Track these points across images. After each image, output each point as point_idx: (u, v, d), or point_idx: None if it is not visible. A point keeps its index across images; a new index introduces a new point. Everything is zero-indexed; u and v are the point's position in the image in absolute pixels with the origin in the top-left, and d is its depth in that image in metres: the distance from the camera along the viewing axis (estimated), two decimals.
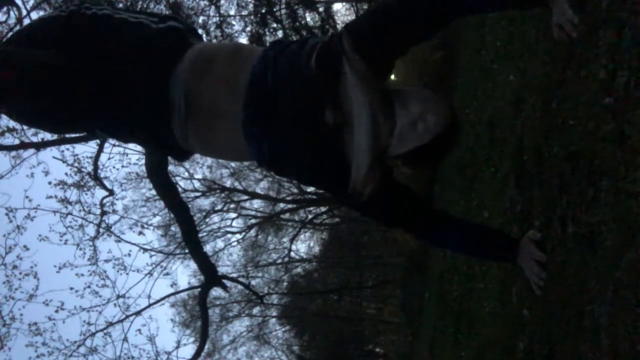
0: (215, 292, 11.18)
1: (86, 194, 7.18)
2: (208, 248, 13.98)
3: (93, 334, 6.45)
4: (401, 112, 1.35)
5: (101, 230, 7.07)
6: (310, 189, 16.17)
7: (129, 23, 1.50)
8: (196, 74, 1.43)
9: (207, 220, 14.98)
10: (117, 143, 6.65)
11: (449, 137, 1.37)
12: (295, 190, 16.22)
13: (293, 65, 1.38)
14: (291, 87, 1.37)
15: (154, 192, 7.12)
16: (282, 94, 1.38)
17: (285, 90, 1.38)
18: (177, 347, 7.11)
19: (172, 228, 11.59)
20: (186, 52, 1.46)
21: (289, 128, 1.39)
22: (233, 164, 14.88)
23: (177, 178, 13.25)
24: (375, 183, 1.41)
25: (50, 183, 6.94)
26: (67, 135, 5.85)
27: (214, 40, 9.44)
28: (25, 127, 5.43)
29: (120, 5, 6.93)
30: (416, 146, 1.35)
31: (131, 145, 7.28)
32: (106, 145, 6.56)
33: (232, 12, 10.53)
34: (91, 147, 6.90)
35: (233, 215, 16.33)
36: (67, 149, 6.77)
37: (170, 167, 7.66)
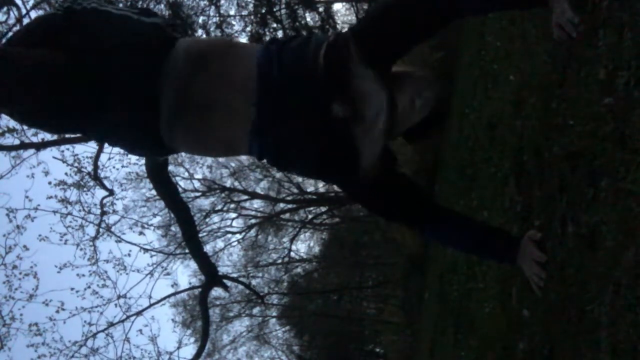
0: (216, 292, 11.19)
1: (86, 194, 7.20)
2: (208, 248, 13.98)
3: (94, 335, 6.45)
4: (399, 95, 1.42)
5: (101, 230, 7.09)
6: (310, 189, 16.19)
7: (113, 16, 1.49)
8: (189, 69, 1.42)
9: (207, 220, 14.98)
10: None
11: (443, 110, 1.52)
12: (295, 190, 16.23)
13: (299, 60, 1.39)
14: (299, 82, 1.39)
15: (154, 192, 7.13)
16: (290, 89, 1.39)
17: (292, 85, 1.39)
18: (179, 347, 7.14)
19: (172, 228, 11.60)
20: (173, 48, 1.46)
21: (297, 122, 1.40)
22: (233, 164, 14.91)
23: (177, 178, 13.26)
24: (380, 173, 1.45)
25: (50, 183, 6.96)
26: (67, 135, 5.85)
27: None
28: (25, 127, 5.43)
29: (120, 5, 6.92)
30: (417, 120, 1.46)
31: None
32: (106, 145, 6.56)
33: (232, 12, 10.54)
34: (91, 147, 6.90)
35: (233, 215, 16.34)
36: (67, 149, 6.79)
37: (170, 167, 7.66)
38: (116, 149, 7.08)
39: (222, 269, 13.97)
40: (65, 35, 1.48)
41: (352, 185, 1.51)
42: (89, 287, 6.77)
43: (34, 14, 6.19)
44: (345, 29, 1.48)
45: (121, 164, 9.67)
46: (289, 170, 1.62)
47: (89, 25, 1.48)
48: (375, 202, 1.56)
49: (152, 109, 1.44)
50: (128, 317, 6.68)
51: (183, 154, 1.67)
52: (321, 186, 16.16)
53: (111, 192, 7.31)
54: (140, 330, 6.75)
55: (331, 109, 1.37)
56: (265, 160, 1.52)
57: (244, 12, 10.59)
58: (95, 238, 7.04)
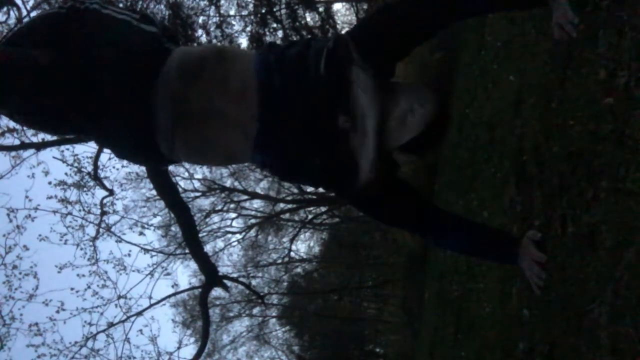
0: (216, 292, 11.18)
1: (86, 194, 7.19)
2: (208, 248, 13.98)
3: (94, 335, 6.44)
4: (394, 109, 1.37)
5: (101, 230, 7.07)
6: (311, 189, 16.18)
7: (114, 20, 1.48)
8: (183, 80, 1.40)
9: (207, 220, 14.99)
10: None
11: (439, 126, 1.40)
12: (295, 190, 16.21)
13: (301, 70, 1.37)
14: (303, 93, 1.37)
15: (154, 192, 7.13)
16: (293, 100, 1.37)
17: (296, 96, 1.37)
18: (179, 348, 7.13)
19: (173, 228, 11.62)
20: (167, 60, 1.43)
21: (300, 133, 1.38)
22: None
23: (177, 178, 13.25)
24: (380, 182, 1.42)
25: (50, 183, 6.94)
26: (67, 136, 5.85)
27: (214, 41, 9.44)
28: (25, 128, 5.43)
29: (121, 5, 6.92)
30: (410, 138, 1.37)
31: None
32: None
33: (232, 12, 10.53)
34: (91, 147, 6.89)
35: (233, 215, 16.34)
36: (67, 149, 6.78)
37: (170, 167, 7.66)
38: None
39: (222, 269, 13.98)
40: (64, 36, 1.47)
41: (354, 195, 1.49)
42: (89, 287, 6.77)
43: (34, 14, 6.19)
44: (345, 30, 1.46)
45: (121, 164, 9.66)
46: (293, 181, 1.61)
47: (88, 27, 1.47)
48: (377, 211, 1.55)
49: (147, 120, 1.42)
50: (128, 317, 6.68)
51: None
52: None
53: (111, 192, 7.30)
54: (141, 331, 6.76)
55: (336, 121, 1.36)
56: (268, 171, 1.50)
57: (244, 12, 10.58)
58: (95, 238, 7.03)
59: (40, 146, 6.24)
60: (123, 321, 6.64)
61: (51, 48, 1.44)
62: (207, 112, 1.41)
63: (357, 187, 1.42)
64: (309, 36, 10.17)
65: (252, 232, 16.72)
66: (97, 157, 6.81)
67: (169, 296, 7.75)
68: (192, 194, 14.62)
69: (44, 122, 1.60)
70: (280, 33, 10.24)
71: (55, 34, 1.48)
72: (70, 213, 6.79)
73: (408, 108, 1.36)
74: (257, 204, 17.12)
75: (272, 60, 1.40)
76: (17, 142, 6.06)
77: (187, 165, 13.51)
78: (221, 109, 1.40)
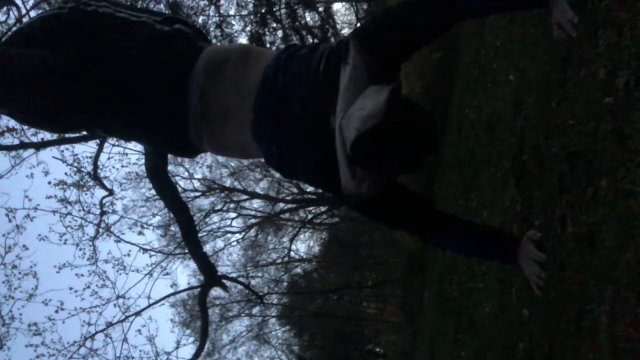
0: (215, 292, 11.18)
1: (86, 194, 7.17)
2: (208, 248, 13.98)
3: (93, 335, 6.44)
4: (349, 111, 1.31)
5: (101, 230, 7.07)
6: (310, 188, 16.19)
7: (131, 23, 1.50)
8: (209, 78, 1.46)
9: (207, 220, 14.99)
10: (117, 143, 6.65)
11: (389, 135, 1.21)
12: (295, 190, 16.22)
13: (304, 70, 1.40)
14: (301, 91, 1.39)
15: (154, 192, 7.12)
16: (293, 98, 1.40)
17: (295, 94, 1.40)
18: (177, 348, 7.15)
19: (172, 228, 11.60)
20: (199, 57, 1.49)
21: (298, 132, 1.40)
22: (233, 164, 14.92)
23: (177, 178, 13.26)
24: (369, 185, 1.40)
25: (50, 183, 6.93)
26: (67, 135, 5.85)
27: (214, 41, 9.44)
28: (25, 127, 5.43)
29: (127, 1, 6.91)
30: (350, 141, 1.25)
31: (131, 145, 7.27)
32: (106, 145, 6.57)
33: (232, 12, 10.53)
34: (91, 147, 6.91)
35: (233, 215, 16.35)
36: (67, 149, 6.77)
37: (170, 167, 7.67)
38: (116, 150, 7.09)
39: (222, 269, 14.00)
40: (68, 37, 1.48)
41: (347, 199, 1.47)
42: (89, 287, 6.77)
43: (34, 14, 6.18)
44: (346, 31, 1.47)
45: (121, 164, 9.70)
46: (293, 178, 1.62)
47: (101, 29, 1.48)
48: (376, 214, 1.54)
49: (182, 113, 1.48)
50: (127, 317, 6.68)
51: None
52: None
53: (111, 192, 7.30)
54: (139, 331, 6.75)
55: (330, 119, 1.35)
56: (270, 166, 1.53)
57: (244, 12, 10.58)
58: (94, 238, 7.03)
59: (40, 146, 6.23)
60: (122, 321, 6.64)
61: (59, 50, 1.45)
62: (225, 110, 1.47)
63: (343, 193, 1.41)
64: (321, 40, 10.17)
65: (252, 232, 16.74)
66: (97, 157, 6.81)
67: (168, 296, 7.75)
68: (192, 194, 14.63)
69: (50, 121, 1.62)
70: (280, 33, 10.25)
71: (57, 35, 1.48)
72: (70, 213, 6.79)
73: (351, 111, 1.27)
74: (257, 204, 17.16)
75: (283, 60, 1.44)
76: (17, 142, 6.05)
77: (187, 165, 13.54)
78: (235, 108, 1.46)
